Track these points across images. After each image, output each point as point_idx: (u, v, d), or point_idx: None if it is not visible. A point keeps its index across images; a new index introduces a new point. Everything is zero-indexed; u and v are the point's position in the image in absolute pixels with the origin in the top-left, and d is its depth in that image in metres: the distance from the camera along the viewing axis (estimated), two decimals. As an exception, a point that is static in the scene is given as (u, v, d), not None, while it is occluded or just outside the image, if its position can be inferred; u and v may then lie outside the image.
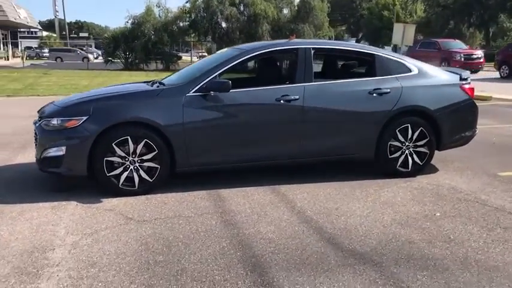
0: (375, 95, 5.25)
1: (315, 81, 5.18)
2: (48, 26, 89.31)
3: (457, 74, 5.80)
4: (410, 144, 5.39)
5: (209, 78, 4.89)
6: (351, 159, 5.51)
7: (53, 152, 4.68)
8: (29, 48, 62.56)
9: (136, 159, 4.71)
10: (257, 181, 5.16)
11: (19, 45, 47.05)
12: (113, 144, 4.61)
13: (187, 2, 30.56)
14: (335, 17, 63.83)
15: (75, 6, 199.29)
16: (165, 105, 4.79)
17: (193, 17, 30.44)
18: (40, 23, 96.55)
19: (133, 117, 4.69)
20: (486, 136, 7.61)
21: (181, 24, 30.69)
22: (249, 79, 6.01)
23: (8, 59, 39.15)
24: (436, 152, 5.96)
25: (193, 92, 4.85)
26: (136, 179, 4.74)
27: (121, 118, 4.66)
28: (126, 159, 4.69)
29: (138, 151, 4.69)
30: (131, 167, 4.72)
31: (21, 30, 64.39)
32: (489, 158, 6.43)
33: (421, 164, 5.46)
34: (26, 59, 50.05)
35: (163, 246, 3.54)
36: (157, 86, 5.22)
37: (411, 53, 25.72)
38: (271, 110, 5.04)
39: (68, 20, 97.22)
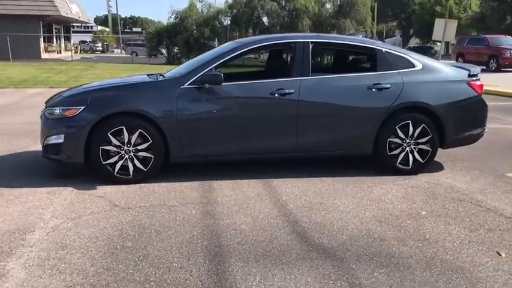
0: (374, 90, 5.15)
1: (312, 76, 5.13)
2: (105, 21, 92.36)
3: (466, 70, 5.59)
4: (412, 142, 5.26)
5: (205, 71, 4.95)
6: (349, 155, 5.45)
7: (53, 139, 4.89)
8: (84, 42, 65.18)
9: (131, 148, 4.85)
10: (252, 174, 5.20)
11: (71, 39, 49.06)
12: (108, 133, 4.77)
13: (229, -3, 30.79)
14: (385, 13, 62.43)
15: (131, 2, 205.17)
16: (159, 96, 4.90)
17: (234, 12, 30.65)
18: (97, 18, 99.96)
19: (128, 108, 4.83)
20: (508, 136, 7.29)
21: (222, 19, 30.98)
22: (246, 72, 6.04)
23: (60, 53, 40.82)
24: (448, 150, 5.82)
25: (188, 85, 4.93)
26: (131, 168, 4.88)
27: (116, 108, 4.81)
28: (122, 148, 4.84)
29: (132, 141, 4.83)
30: (126, 156, 4.86)
31: (77, 25, 67.07)
32: (504, 158, 6.17)
33: (422, 161, 5.31)
34: (81, 52, 52.24)
35: (136, 233, 3.65)
36: (157, 78, 5.34)
37: (458, 49, 24.89)
38: (265, 103, 5.05)
39: (123, 15, 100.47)
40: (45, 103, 5.40)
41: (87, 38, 72.90)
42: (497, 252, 3.36)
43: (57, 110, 4.93)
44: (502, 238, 3.61)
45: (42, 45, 36.52)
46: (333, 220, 3.95)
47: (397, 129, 5.19)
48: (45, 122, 5.02)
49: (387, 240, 3.56)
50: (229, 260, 3.21)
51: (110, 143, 4.80)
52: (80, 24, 59.84)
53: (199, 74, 4.93)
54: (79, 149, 4.80)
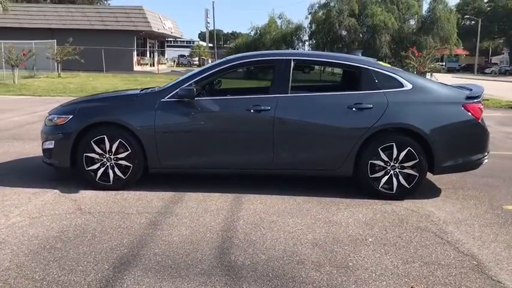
0: (354, 109, 4.98)
1: (291, 93, 5.09)
2: (209, 37, 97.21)
3: (466, 90, 5.21)
4: (396, 165, 4.99)
5: (185, 85, 5.12)
6: (328, 175, 5.30)
7: (47, 144, 5.33)
8: (182, 56, 68.91)
9: (112, 157, 5.13)
10: (229, 188, 5.26)
11: (165, 53, 52.15)
12: (91, 141, 5.10)
13: (309, 14, 30.93)
14: (491, 29, 58.73)
15: (232, 18, 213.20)
16: (140, 108, 5.14)
17: (313, 28, 30.70)
18: (201, 33, 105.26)
19: (109, 118, 5.13)
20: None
21: (301, 35, 31.17)
22: (228, 88, 6.10)
23: (153, 65, 43.50)
24: (456, 176, 5.45)
25: (168, 98, 5.12)
26: (111, 175, 5.16)
27: (98, 118, 5.14)
28: (103, 156, 5.14)
29: (113, 150, 5.11)
30: (108, 163, 5.16)
31: (180, 39, 71.22)
32: (516, 188, 5.62)
33: (408, 187, 5.01)
34: (178, 65, 55.19)
35: (74, 236, 3.88)
36: (145, 91, 5.59)
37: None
38: (241, 119, 5.09)
39: (225, 31, 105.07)
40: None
41: (186, 52, 76.92)
42: (411, 287, 3.11)
43: (52, 118, 5.36)
44: (432, 273, 3.33)
45: (135, 58, 39.23)
46: (268, 239, 3.89)
47: (380, 151, 4.96)
48: (44, 128, 5.48)
49: (304, 264, 3.44)
50: (132, 268, 3.30)
51: (93, 150, 5.12)
52: (174, 39, 63.12)
53: (178, 88, 5.10)
54: (66, 155, 5.18)
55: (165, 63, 50.20)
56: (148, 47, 44.72)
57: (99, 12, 39.18)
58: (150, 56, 45.18)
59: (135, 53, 39.33)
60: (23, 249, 3.58)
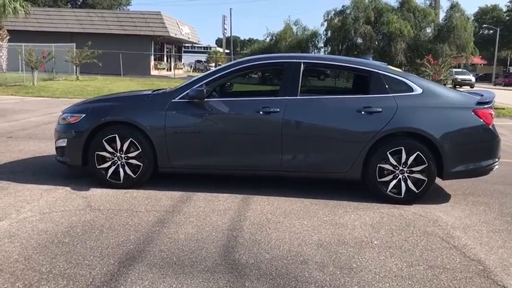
0: (363, 113, 4.98)
1: (300, 96, 5.12)
2: (226, 43, 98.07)
3: (477, 96, 5.18)
4: (405, 169, 4.97)
5: (195, 86, 5.18)
6: (337, 178, 5.30)
7: (60, 142, 5.43)
8: (199, 62, 69.49)
9: (123, 155, 5.21)
10: (238, 189, 5.30)
11: (182, 58, 52.60)
12: (103, 140, 5.18)
13: (325, 21, 30.94)
14: (510, 38, 58.01)
15: (249, 25, 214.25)
16: (151, 108, 5.21)
17: (329, 35, 30.70)
18: (218, 40, 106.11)
19: (121, 118, 5.21)
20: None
21: (316, 41, 31.18)
22: (239, 91, 6.15)
23: (170, 70, 43.88)
24: (466, 182, 5.42)
25: (179, 99, 5.19)
26: (122, 174, 5.24)
27: (110, 118, 5.22)
28: (114, 155, 5.22)
29: (124, 149, 5.18)
30: (118, 162, 5.23)
31: (197, 45, 71.82)
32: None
33: (416, 191, 4.99)
34: (195, 70, 55.59)
35: (82, 231, 3.94)
36: (157, 92, 5.66)
37: None
38: (250, 120, 5.13)
39: (242, 38, 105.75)
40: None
41: (203, 58, 77.48)
42: (414, 290, 3.10)
43: (65, 116, 5.46)
44: (436, 277, 3.31)
45: (152, 62, 39.62)
46: (273, 239, 3.91)
47: (388, 155, 4.95)
48: (57, 127, 5.58)
49: (308, 264, 3.45)
50: (138, 264, 3.35)
51: (104, 149, 5.20)
52: (191, 45, 63.58)
53: (189, 89, 5.16)
54: (78, 153, 5.27)
55: (181, 68, 50.66)
56: (165, 52, 45.15)
57: (118, 17, 39.73)
58: (167, 61, 45.60)
59: (152, 57, 39.74)
60: (31, 243, 3.65)
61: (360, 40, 29.49)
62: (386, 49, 27.97)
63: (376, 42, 29.19)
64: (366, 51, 27.91)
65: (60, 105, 13.60)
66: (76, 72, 26.92)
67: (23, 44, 22.96)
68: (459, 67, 41.49)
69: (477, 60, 52.10)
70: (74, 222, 4.16)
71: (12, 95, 17.34)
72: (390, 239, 4.03)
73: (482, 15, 61.94)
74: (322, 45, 31.85)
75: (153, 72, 39.45)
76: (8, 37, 29.50)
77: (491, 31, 59.62)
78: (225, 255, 3.55)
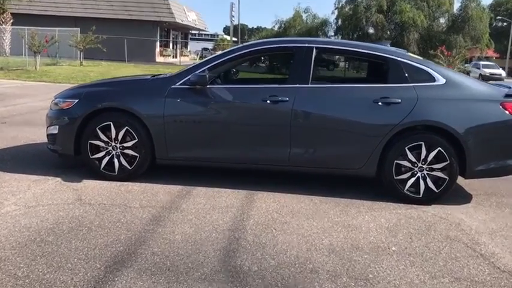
0: (380, 104, 4.55)
1: (312, 84, 4.69)
2: (234, 30, 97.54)
3: (505, 88, 4.73)
4: (424, 166, 4.55)
5: (198, 71, 4.77)
6: (349, 174, 4.89)
7: (51, 129, 5.04)
8: (206, 49, 68.92)
9: (118, 145, 4.82)
10: (241, 184, 4.90)
11: (188, 45, 52.02)
12: (97, 128, 4.79)
13: (336, 9, 30.32)
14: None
15: (258, 13, 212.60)
16: (149, 95, 4.81)
17: (339, 23, 30.07)
18: (226, 27, 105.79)
19: (116, 104, 4.81)
20: None
21: (326, 30, 30.56)
22: (245, 77, 5.72)
23: (175, 57, 43.35)
24: (487, 181, 5.02)
25: (179, 85, 4.78)
26: (117, 165, 4.85)
27: (104, 104, 4.82)
28: (109, 144, 4.83)
29: (119, 138, 4.79)
30: (113, 152, 4.84)
31: (204, 33, 71.21)
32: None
33: (436, 191, 4.57)
34: (201, 58, 55.08)
35: (68, 229, 3.56)
36: (156, 77, 5.25)
37: None
38: (256, 110, 4.72)
39: (250, 26, 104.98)
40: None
41: (210, 45, 76.82)
42: (441, 308, 2.70)
43: (57, 101, 5.07)
44: (464, 292, 2.91)
45: (157, 49, 39.12)
46: (280, 243, 3.51)
47: (407, 150, 4.53)
48: (49, 112, 5.20)
49: (318, 273, 3.05)
50: (126, 269, 2.97)
51: (98, 137, 4.81)
52: (198, 32, 63.01)
53: (190, 75, 4.75)
54: (70, 141, 4.88)
55: (187, 56, 50.06)
56: (171, 38, 44.60)
57: (124, 1, 39.12)
58: (173, 48, 45.05)
59: (158, 43, 39.22)
60: (11, 241, 3.28)
61: (371, 30, 28.86)
62: (399, 39, 27.32)
63: (388, 32, 28.56)
64: (377, 40, 27.27)
65: (61, 90, 13.24)
66: (80, 58, 26.51)
67: (26, 27, 22.55)
68: (470, 61, 40.51)
69: (490, 53, 51.14)
70: (61, 217, 3.79)
71: (13, 79, 16.98)
72: (409, 244, 3.62)
73: (497, 6, 60.68)
74: (333, 33, 31.26)
75: (159, 59, 38.95)
76: (11, 20, 29.08)
77: (504, 23, 58.47)
78: (225, 261, 3.16)
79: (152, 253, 3.21)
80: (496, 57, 61.99)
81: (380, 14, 27.94)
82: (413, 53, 26.01)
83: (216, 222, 3.87)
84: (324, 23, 31.10)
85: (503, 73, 32.20)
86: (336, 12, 30.50)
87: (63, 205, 4.09)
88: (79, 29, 26.88)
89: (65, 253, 3.14)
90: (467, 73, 20.37)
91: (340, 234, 3.74)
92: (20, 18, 29.31)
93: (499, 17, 56.82)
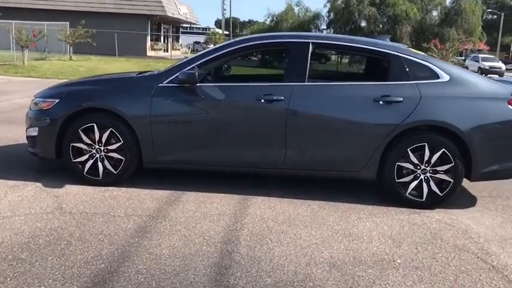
0: (381, 103, 4.28)
1: (309, 82, 4.40)
2: (225, 23, 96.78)
3: (511, 84, 4.48)
4: (428, 168, 4.29)
5: (186, 69, 4.46)
6: (349, 177, 4.61)
7: (31, 131, 4.73)
8: (198, 43, 68.31)
9: (102, 148, 4.51)
10: (234, 188, 4.62)
11: (179, 38, 51.41)
12: (79, 130, 4.48)
13: (328, 2, 29.98)
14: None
15: (250, 6, 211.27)
16: (134, 94, 4.51)
17: (331, 17, 29.77)
18: (217, 21, 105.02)
19: (100, 104, 4.50)
20: None
21: (318, 23, 30.26)
22: (237, 75, 5.42)
23: (166, 51, 42.80)
24: (490, 182, 4.76)
25: (167, 83, 4.47)
26: (101, 169, 4.55)
27: (87, 104, 4.50)
28: (92, 147, 4.52)
29: (103, 140, 4.48)
30: (97, 155, 4.54)
31: (196, 26, 70.55)
32: None
33: (440, 194, 4.32)
34: (193, 52, 54.50)
35: (45, 243, 3.27)
36: (142, 75, 4.94)
37: None
38: (250, 110, 4.43)
39: (241, 19, 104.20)
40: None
41: (202, 39, 76.12)
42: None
43: (37, 101, 4.76)
44: (480, 313, 2.65)
45: (148, 43, 38.56)
46: (276, 256, 3.24)
47: (409, 151, 4.27)
48: (29, 113, 4.88)
49: (317, 291, 2.78)
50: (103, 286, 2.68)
51: (80, 140, 4.50)
52: (190, 26, 62.44)
53: (179, 72, 4.44)
54: (51, 144, 4.57)
55: (179, 49, 49.48)
56: (162, 32, 44.04)
57: (114, -6, 38.51)
58: (164, 42, 44.49)
59: (148, 37, 38.67)
60: (-20, 259, 2.98)
61: (363, 23, 28.58)
62: (391, 32, 27.05)
63: (381, 25, 28.31)
64: (369, 34, 26.99)
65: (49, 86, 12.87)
66: (69, 52, 25.98)
67: (13, 21, 22.03)
68: (462, 54, 40.26)
69: (481, 46, 51.12)
70: (38, 229, 3.49)
71: (0, 74, 16.53)
72: (415, 256, 3.36)
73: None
74: (325, 27, 30.98)
75: (150, 53, 38.40)
76: (-1, 14, 28.45)
77: (495, 16, 58.45)
78: (217, 279, 2.88)
79: (136, 271, 2.93)
80: (487, 50, 62.02)
81: (372, 7, 27.66)
82: (407, 46, 25.83)
83: (207, 233, 3.58)
84: (316, 16, 30.81)
85: (503, 66, 31.01)
86: (328, 5, 30.25)
87: (41, 215, 3.78)
88: (68, 23, 26.33)
89: (39, 273, 2.85)
90: (462, 66, 20.19)
91: (340, 245, 3.47)
92: (8, 12, 28.66)
93: (489, 10, 56.81)
